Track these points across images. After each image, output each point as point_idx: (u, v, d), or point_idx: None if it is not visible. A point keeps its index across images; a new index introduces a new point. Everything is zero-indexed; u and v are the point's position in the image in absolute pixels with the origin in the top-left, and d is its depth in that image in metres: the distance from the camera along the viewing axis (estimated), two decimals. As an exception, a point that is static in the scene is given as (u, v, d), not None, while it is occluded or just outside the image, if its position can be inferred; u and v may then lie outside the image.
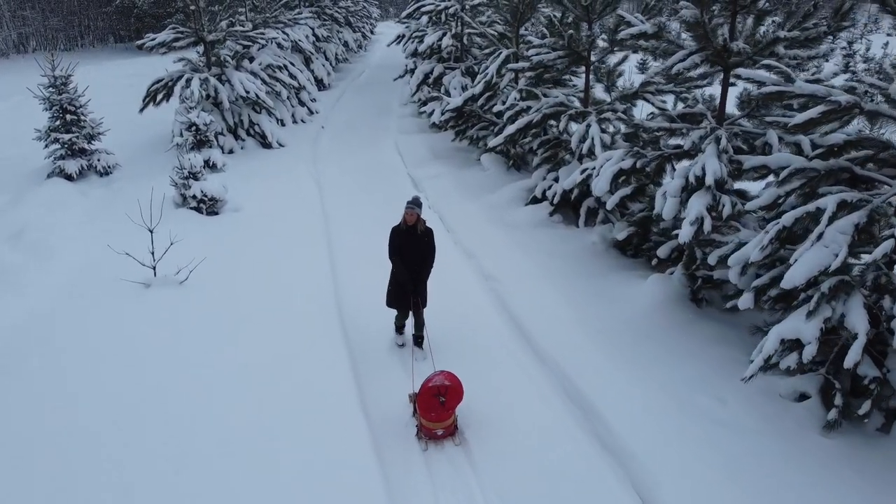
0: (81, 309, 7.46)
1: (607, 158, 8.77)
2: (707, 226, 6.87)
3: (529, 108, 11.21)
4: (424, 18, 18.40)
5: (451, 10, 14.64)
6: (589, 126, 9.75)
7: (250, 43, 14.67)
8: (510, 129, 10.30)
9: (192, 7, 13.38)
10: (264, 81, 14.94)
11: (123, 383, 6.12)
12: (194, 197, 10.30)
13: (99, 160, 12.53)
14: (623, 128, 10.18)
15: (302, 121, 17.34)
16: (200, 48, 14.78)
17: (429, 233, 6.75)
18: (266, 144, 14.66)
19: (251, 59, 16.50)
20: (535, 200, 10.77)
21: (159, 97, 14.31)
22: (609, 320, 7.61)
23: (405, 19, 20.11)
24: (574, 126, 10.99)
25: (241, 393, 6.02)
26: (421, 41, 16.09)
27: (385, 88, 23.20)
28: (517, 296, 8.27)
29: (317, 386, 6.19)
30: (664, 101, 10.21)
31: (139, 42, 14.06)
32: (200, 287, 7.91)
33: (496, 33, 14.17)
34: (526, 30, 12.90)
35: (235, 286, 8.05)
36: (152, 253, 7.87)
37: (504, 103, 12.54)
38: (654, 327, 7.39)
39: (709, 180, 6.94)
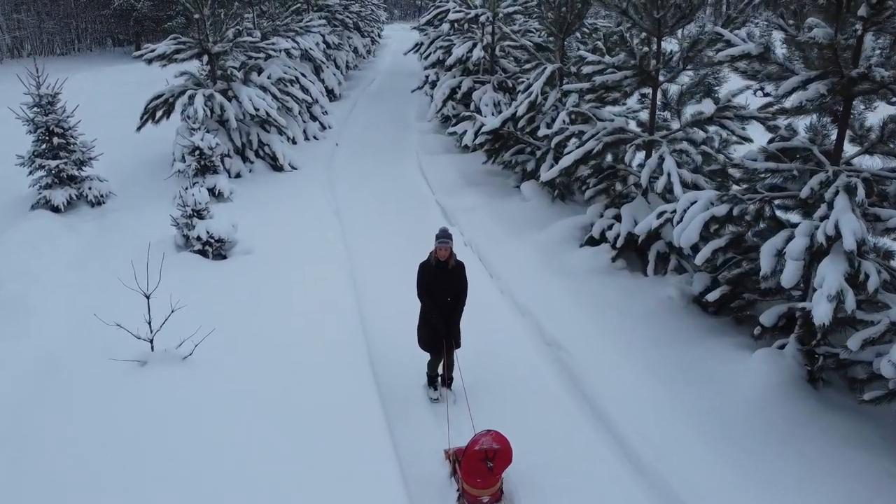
0: (59, 397, 6.01)
1: (691, 201, 7.35)
2: (850, 303, 5.46)
3: (582, 132, 9.79)
4: (446, 26, 16.99)
5: (482, 19, 13.23)
6: (662, 159, 8.32)
7: (259, 55, 13.24)
8: (566, 160, 8.87)
9: (196, 15, 11.95)
10: (275, 97, 13.51)
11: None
12: (199, 239, 8.87)
13: (90, 188, 11.10)
14: (696, 158, 8.77)
15: (314, 137, 15.90)
16: (205, 60, 13.36)
17: (460, 267, 6.21)
18: (277, 167, 13.23)
19: (260, 72, 15.10)
20: (591, 241, 9.34)
21: (159, 114, 12.89)
22: (711, 407, 6.19)
23: (424, 26, 18.69)
24: (638, 156, 9.58)
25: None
26: (447, 52, 14.66)
27: (399, 98, 21.78)
28: (590, 369, 6.85)
29: (351, 457, 4.87)
30: (744, 128, 8.79)
31: (136, 53, 12.64)
32: (208, 362, 6.47)
33: (532, 44, 12.77)
34: (569, 42, 11.48)
35: (250, 357, 6.62)
36: (149, 323, 6.44)
37: (549, 125, 11.13)
38: (771, 421, 5.97)
39: (847, 244, 5.51)
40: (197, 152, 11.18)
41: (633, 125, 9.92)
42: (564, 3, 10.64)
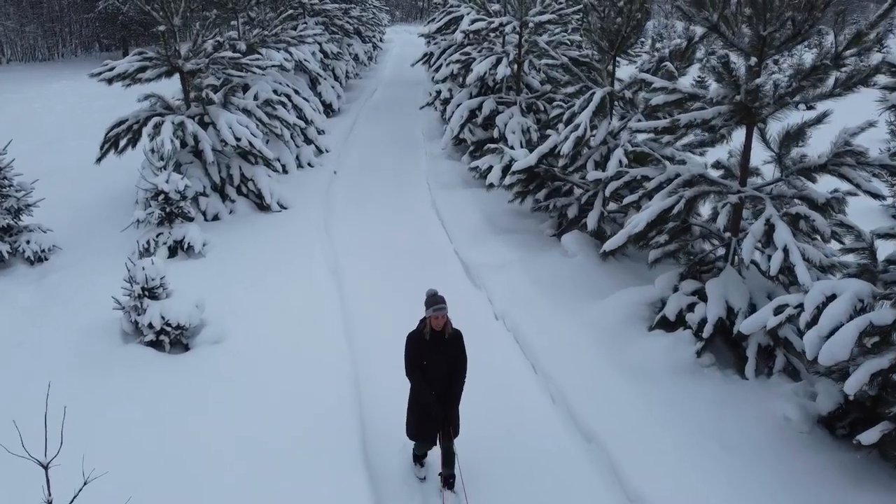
0: None
1: (826, 294, 5.23)
2: None
3: (646, 177, 7.65)
4: (459, 35, 14.83)
5: (507, 28, 11.07)
6: (771, 226, 6.17)
7: (242, 73, 11.08)
8: (636, 222, 6.70)
9: (163, 27, 9.79)
10: (261, 122, 11.35)
11: None
12: (151, 327, 6.71)
13: (28, 242, 8.97)
14: (821, 226, 6.59)
15: (309, 164, 13.75)
16: (182, 79, 11.20)
17: (457, 337, 5.31)
18: (263, 206, 11.07)
19: (247, 88, 12.94)
20: (664, 322, 7.19)
21: (122, 143, 10.75)
22: None
23: (434, 34, 16.53)
24: (719, 211, 7.43)
25: None
26: (464, 66, 12.47)
27: (404, 111, 19.62)
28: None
29: None
30: (869, 180, 6.62)
31: (93, 71, 10.48)
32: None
33: (567, 59, 10.61)
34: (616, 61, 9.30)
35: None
36: None
37: (597, 162, 8.98)
38: None
39: None
40: (161, 197, 9.03)
41: (709, 169, 7.77)
42: (620, 11, 8.49)
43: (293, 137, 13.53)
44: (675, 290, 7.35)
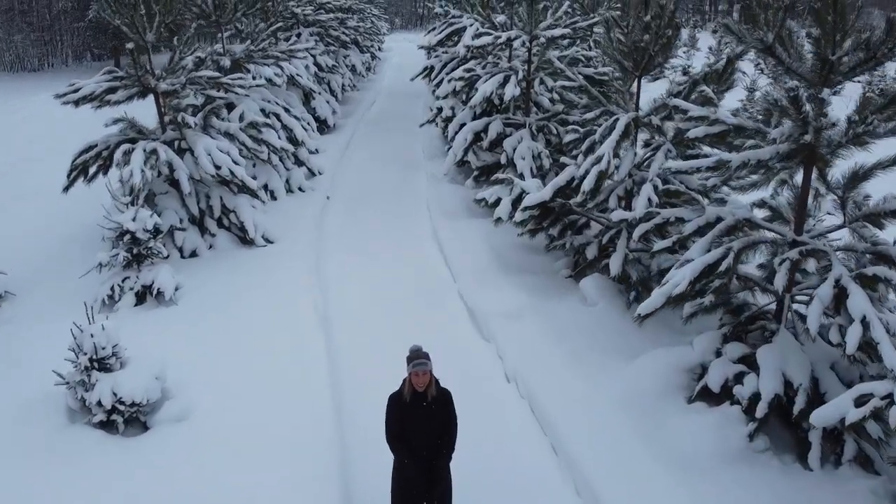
0: None
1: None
2: None
3: (681, 220, 6.62)
4: (462, 49, 13.82)
5: (515, 44, 10.03)
6: (842, 289, 5.12)
7: (223, 94, 10.05)
8: (677, 280, 5.63)
9: (130, 45, 8.77)
10: (245, 146, 10.31)
11: None
12: (101, 405, 5.64)
13: (-25, 289, 7.92)
14: (893, 280, 5.53)
15: (300, 188, 12.70)
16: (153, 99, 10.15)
17: (445, 399, 4.72)
18: (246, 240, 10.02)
19: (232, 108, 11.92)
20: (706, 393, 6.12)
21: (93, 170, 9.71)
22: None
23: (436, 47, 15.52)
24: (775, 269, 6.37)
25: None
26: (467, 83, 11.41)
27: (404, 126, 18.59)
28: None
29: None
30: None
31: (58, 94, 9.45)
32: None
33: (583, 78, 9.60)
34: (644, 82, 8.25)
35: None
36: None
37: (621, 198, 7.95)
38: None
39: None
40: (127, 237, 7.98)
41: (753, 210, 6.72)
42: (646, 27, 7.45)
43: (282, 160, 12.50)
44: (718, 354, 6.28)
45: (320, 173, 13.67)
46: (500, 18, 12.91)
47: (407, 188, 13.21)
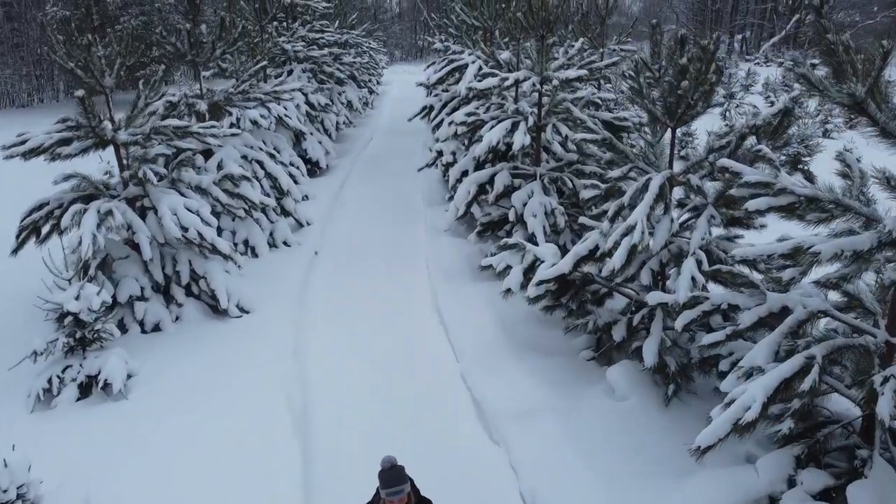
0: None
1: None
2: None
3: (737, 308, 5.38)
4: (463, 89, 12.73)
5: (524, 86, 8.87)
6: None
7: (193, 146, 8.87)
8: (748, 400, 4.34)
9: (80, 92, 7.61)
10: (219, 202, 9.11)
11: None
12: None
13: None
14: None
15: (285, 243, 11.47)
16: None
17: None
18: (219, 310, 8.75)
19: (209, 155, 10.76)
20: (779, 538, 4.80)
21: (45, 230, 8.48)
22: None
23: (435, 85, 14.43)
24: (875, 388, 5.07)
25: None
26: (472, 130, 10.20)
27: (402, 168, 17.44)
28: None
29: None
30: None
31: (2, 145, 8.26)
32: None
33: (601, 124, 8.45)
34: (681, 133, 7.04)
35: None
36: None
37: (655, 273, 6.69)
38: None
39: None
40: (70, 319, 6.72)
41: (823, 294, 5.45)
42: (683, 70, 6.26)
43: (265, 212, 11.29)
44: (791, 483, 4.96)
45: (309, 224, 12.45)
46: (505, 55, 11.82)
47: (404, 241, 11.96)
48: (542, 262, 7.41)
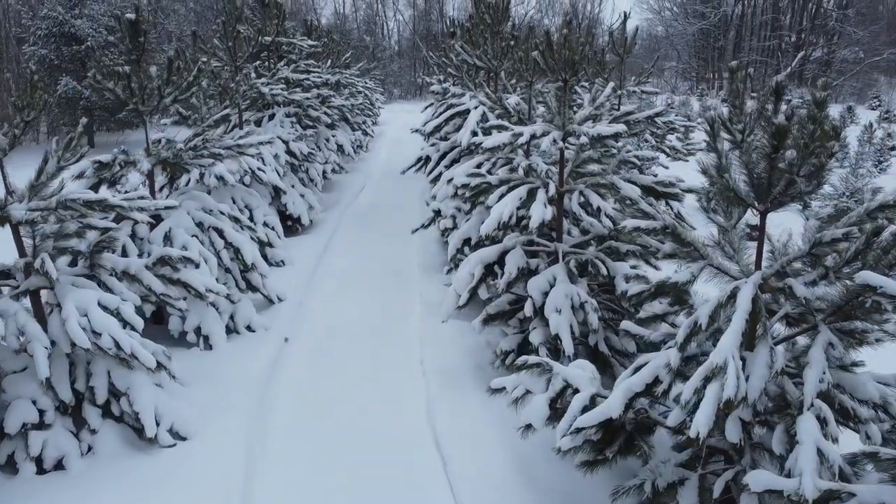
0: None
1: None
2: None
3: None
4: (465, 139, 10.88)
5: (543, 142, 6.93)
6: None
7: (113, 223, 6.89)
8: None
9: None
10: (152, 292, 7.09)
11: None
12: None
13: None
14: None
15: (249, 327, 9.43)
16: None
17: None
18: (145, 438, 6.66)
19: (158, 220, 8.83)
20: None
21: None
22: None
23: (433, 133, 12.57)
24: None
25: None
26: (476, 194, 8.14)
27: (395, 223, 15.50)
28: None
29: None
30: None
31: None
32: None
33: (639, 190, 6.53)
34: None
35: None
36: None
37: (748, 424, 4.62)
38: None
39: None
40: None
41: None
42: (781, 133, 4.30)
43: (226, 283, 9.27)
44: None
45: (280, 300, 10.42)
46: (513, 100, 9.96)
47: (394, 324, 9.92)
48: (575, 389, 5.38)
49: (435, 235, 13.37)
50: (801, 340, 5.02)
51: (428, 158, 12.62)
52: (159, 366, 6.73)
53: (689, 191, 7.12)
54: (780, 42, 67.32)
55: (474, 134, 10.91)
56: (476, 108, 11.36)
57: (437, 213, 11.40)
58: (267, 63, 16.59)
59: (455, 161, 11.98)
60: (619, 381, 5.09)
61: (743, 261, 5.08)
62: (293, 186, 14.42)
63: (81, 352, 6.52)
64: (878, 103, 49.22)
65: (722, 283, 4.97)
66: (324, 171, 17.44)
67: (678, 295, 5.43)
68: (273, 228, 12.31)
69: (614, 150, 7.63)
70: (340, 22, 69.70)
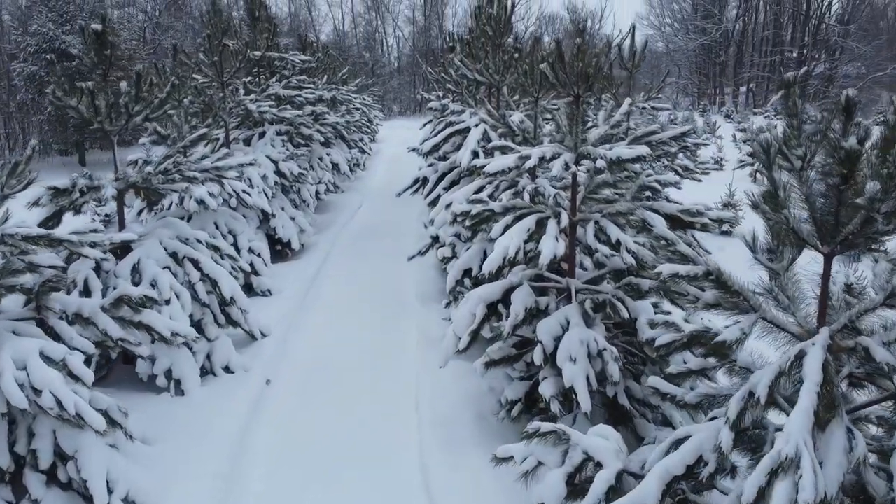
0: None
1: None
2: None
3: None
4: (465, 160, 10.10)
5: (554, 166, 6.08)
6: None
7: (55, 261, 6.03)
8: None
9: None
10: (108, 337, 6.21)
11: None
12: None
13: None
14: None
15: (226, 368, 8.55)
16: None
17: None
18: (96, 509, 5.75)
19: (126, 251, 8.00)
20: None
21: None
22: None
23: (431, 152, 11.77)
24: None
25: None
26: (477, 222, 7.25)
27: (392, 248, 14.66)
28: None
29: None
30: None
31: None
32: None
33: (663, 220, 5.70)
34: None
35: None
36: None
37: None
38: None
39: None
40: None
41: None
42: (853, 161, 3.47)
43: (202, 326, 8.44)
44: None
45: (264, 335, 9.54)
46: (516, 117, 9.15)
47: (388, 362, 9.04)
48: (598, 464, 4.49)
49: (433, 261, 12.50)
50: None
51: (425, 179, 11.80)
52: (114, 423, 5.85)
53: (720, 220, 6.27)
54: (781, 58, 66.92)
55: (475, 154, 10.10)
56: (477, 125, 10.56)
57: (435, 239, 10.57)
58: (257, 79, 15.84)
59: (454, 183, 11.15)
60: (652, 458, 4.21)
61: (800, 313, 4.21)
62: (283, 209, 13.59)
63: (24, 414, 5.63)
64: (882, 119, 48.62)
65: (776, 340, 4.11)
66: (317, 192, 16.63)
67: (718, 349, 4.56)
68: (259, 255, 11.45)
69: (633, 174, 6.79)
70: (339, 38, 69.41)
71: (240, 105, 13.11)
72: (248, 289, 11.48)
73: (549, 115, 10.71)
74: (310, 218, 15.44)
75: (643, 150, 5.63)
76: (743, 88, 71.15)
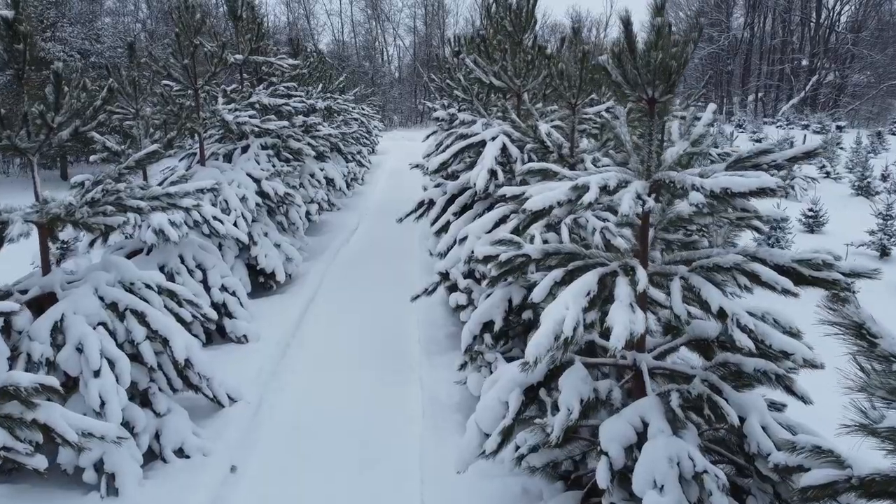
0: None
1: None
2: None
3: None
4: (481, 180, 8.30)
5: (623, 202, 4.28)
6: None
7: None
8: None
9: None
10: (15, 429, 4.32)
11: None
12: None
13: None
14: None
15: (180, 452, 6.65)
16: None
17: None
18: None
19: (52, 301, 6.16)
20: None
21: None
22: None
23: (437, 172, 9.92)
24: None
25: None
26: (503, 273, 5.36)
27: (392, 276, 12.82)
28: None
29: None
30: None
31: None
32: None
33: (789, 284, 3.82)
34: None
35: None
36: None
37: None
38: None
39: None
40: None
41: None
42: None
43: (149, 396, 6.56)
44: None
45: (233, 401, 7.65)
46: (544, 128, 7.31)
47: (386, 439, 7.15)
48: None
49: (441, 296, 10.62)
50: None
51: (431, 202, 9.93)
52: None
53: (856, 275, 4.40)
54: (791, 66, 65.34)
55: (492, 174, 8.25)
56: (493, 139, 8.72)
57: (445, 275, 8.71)
58: (241, 86, 14.06)
59: (466, 207, 9.31)
60: None
61: None
62: (266, 234, 11.74)
63: None
64: (900, 129, 46.84)
65: None
66: (308, 213, 14.78)
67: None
68: (234, 293, 9.59)
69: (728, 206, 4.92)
70: (339, 48, 67.86)
71: (215, 115, 11.28)
72: (221, 333, 9.64)
73: (582, 127, 8.89)
74: (299, 243, 13.59)
75: (770, 180, 3.77)
76: (751, 97, 69.52)
